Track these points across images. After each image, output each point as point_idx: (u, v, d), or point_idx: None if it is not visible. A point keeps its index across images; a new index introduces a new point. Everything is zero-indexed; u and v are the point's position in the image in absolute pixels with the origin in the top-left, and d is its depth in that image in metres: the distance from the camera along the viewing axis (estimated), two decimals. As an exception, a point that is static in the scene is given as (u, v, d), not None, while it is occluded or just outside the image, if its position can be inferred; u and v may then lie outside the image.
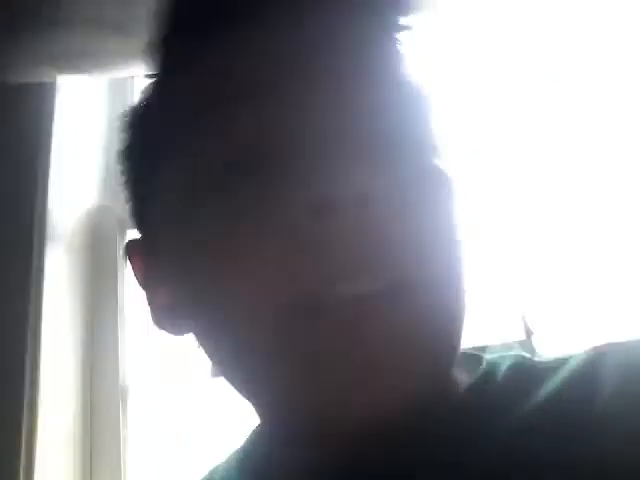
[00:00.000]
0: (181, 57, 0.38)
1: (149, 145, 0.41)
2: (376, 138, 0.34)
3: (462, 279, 0.35)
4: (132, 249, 0.44)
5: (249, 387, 0.36)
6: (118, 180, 0.44)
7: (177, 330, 0.40)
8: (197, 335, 0.38)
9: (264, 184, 0.33)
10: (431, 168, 0.35)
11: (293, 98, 0.34)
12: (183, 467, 0.94)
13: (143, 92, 0.42)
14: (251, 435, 0.44)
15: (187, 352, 0.67)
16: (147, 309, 0.42)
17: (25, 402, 0.80)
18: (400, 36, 0.40)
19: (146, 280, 0.42)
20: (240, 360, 0.34)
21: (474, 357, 0.41)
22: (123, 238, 1.06)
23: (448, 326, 0.34)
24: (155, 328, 0.41)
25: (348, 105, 0.34)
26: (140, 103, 0.43)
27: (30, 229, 0.89)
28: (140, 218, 0.43)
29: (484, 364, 0.39)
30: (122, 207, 0.45)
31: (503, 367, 0.38)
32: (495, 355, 0.40)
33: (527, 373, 0.37)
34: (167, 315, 0.40)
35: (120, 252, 1.04)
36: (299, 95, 0.34)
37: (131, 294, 1.02)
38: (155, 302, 0.41)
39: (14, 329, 0.84)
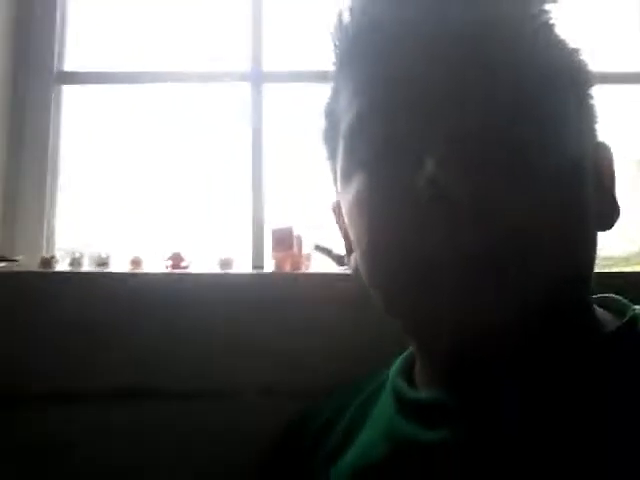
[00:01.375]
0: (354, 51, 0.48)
1: (331, 130, 0.51)
2: (501, 130, 0.40)
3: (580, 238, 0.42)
4: (335, 208, 0.56)
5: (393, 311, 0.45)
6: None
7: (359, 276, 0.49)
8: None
9: (400, 164, 0.41)
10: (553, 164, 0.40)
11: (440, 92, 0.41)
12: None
13: (330, 87, 0.53)
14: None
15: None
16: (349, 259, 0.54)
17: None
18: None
19: (345, 241, 0.54)
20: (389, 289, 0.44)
21: (624, 305, 0.46)
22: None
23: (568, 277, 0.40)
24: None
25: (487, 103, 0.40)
26: (328, 95, 0.53)
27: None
28: (335, 184, 0.53)
29: (631, 313, 0.43)
30: None
31: None
32: None
33: None
34: (356, 273, 0.50)
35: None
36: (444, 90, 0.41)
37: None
38: (350, 262, 0.53)
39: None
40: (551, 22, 0.45)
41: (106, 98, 1.22)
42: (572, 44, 0.46)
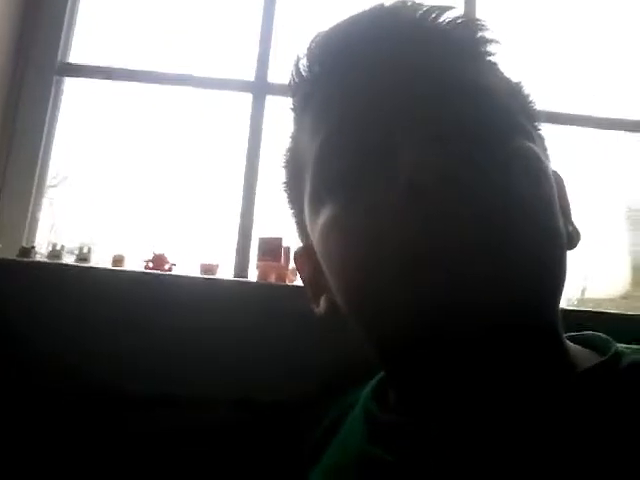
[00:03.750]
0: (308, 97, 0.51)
1: (296, 173, 0.52)
2: (463, 128, 0.41)
3: (553, 242, 0.41)
4: (298, 256, 0.56)
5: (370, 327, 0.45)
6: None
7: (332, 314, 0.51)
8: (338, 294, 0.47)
9: (372, 176, 0.42)
10: (516, 150, 0.42)
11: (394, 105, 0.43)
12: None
13: (289, 135, 0.56)
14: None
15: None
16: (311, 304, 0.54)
17: None
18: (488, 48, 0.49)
19: (311, 288, 0.54)
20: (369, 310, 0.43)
21: (606, 342, 0.45)
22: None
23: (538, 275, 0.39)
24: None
25: (440, 102, 0.42)
26: (287, 144, 0.56)
27: None
28: (299, 232, 0.55)
29: (613, 351, 0.42)
30: None
31: (630, 359, 0.41)
32: (630, 347, 0.43)
33: None
34: (328, 312, 0.51)
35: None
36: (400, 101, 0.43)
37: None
38: (318, 305, 0.53)
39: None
40: (494, 60, 0.49)
41: (107, 94, 1.20)
42: (516, 79, 0.50)
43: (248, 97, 1.16)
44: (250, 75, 1.17)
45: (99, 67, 1.17)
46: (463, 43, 0.48)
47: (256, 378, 0.73)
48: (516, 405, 0.39)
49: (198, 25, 1.24)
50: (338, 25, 0.50)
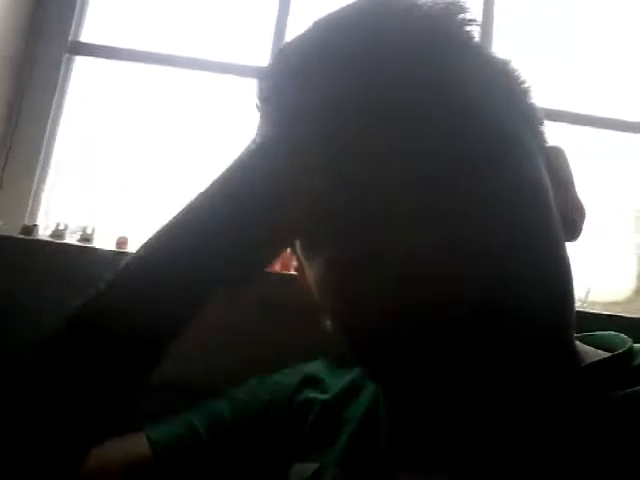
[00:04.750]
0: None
1: None
2: (454, 166, 0.39)
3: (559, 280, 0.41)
4: (299, 272, 0.53)
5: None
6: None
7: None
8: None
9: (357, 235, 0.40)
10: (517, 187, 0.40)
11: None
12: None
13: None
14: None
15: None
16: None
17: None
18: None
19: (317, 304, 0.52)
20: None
21: (623, 341, 0.44)
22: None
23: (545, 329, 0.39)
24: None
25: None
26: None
27: None
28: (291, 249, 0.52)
29: (626, 347, 0.42)
30: None
31: None
32: None
33: None
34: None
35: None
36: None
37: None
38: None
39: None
40: (474, 40, 0.45)
41: (118, 74, 1.19)
42: (502, 56, 0.47)
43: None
44: (265, 61, 1.16)
45: (111, 47, 1.15)
46: (450, 29, 0.44)
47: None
48: (522, 403, 0.39)
49: (214, 8, 1.23)
50: (314, 26, 0.48)
